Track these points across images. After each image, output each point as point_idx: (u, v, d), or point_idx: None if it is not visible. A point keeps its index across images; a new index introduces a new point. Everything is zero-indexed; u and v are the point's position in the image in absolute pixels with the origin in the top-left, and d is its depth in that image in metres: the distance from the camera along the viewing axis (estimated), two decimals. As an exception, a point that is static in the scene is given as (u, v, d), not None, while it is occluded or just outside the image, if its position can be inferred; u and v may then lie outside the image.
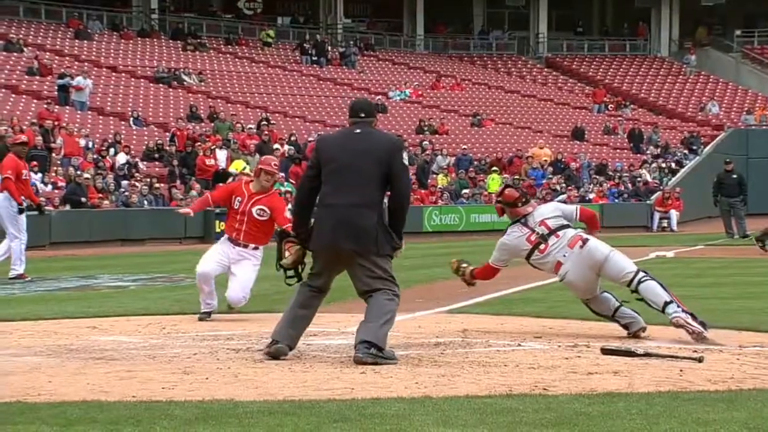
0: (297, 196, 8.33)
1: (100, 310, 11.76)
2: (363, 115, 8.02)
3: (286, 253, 8.27)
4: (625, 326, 9.35)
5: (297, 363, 7.82)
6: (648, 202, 37.92)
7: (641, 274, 9.09)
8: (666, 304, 8.93)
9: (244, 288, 10.88)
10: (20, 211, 16.36)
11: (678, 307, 8.93)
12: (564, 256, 9.15)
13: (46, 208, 27.11)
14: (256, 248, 11.02)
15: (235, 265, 10.94)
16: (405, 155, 7.98)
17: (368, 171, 7.77)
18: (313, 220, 8.08)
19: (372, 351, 7.65)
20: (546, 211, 9.38)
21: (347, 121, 8.18)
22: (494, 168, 37.57)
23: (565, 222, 9.36)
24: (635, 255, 21.08)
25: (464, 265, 9.79)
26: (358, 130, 7.97)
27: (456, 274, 9.94)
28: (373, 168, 7.77)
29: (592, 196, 37.85)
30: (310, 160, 8.21)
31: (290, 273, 8.33)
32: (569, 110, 49.17)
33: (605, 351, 8.23)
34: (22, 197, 16.52)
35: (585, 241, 9.19)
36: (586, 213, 9.79)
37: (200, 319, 10.82)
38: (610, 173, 40.54)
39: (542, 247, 9.20)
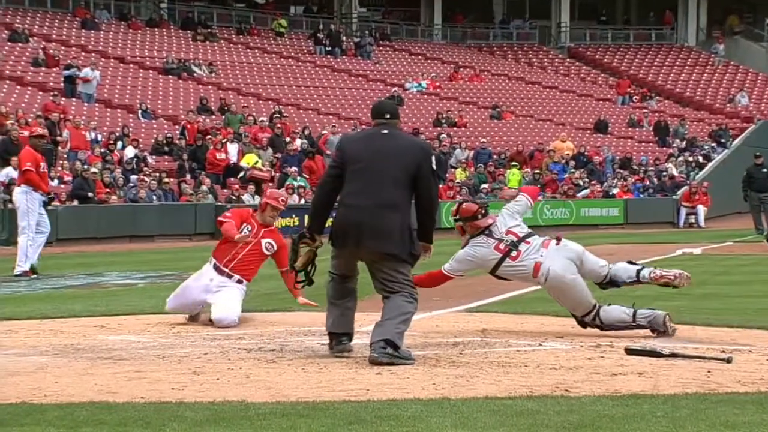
0: (317, 194, 8.37)
1: (107, 308, 11.81)
2: (388, 116, 8.16)
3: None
4: (650, 326, 9.33)
5: (311, 363, 7.84)
6: (674, 197, 37.80)
7: (610, 263, 9.57)
8: (638, 271, 9.38)
9: (231, 308, 10.13)
10: (50, 200, 16.55)
11: (649, 268, 9.45)
12: (541, 256, 9.26)
13: (53, 203, 27.28)
14: (239, 281, 10.41)
15: (214, 294, 10.23)
16: (434, 159, 8.31)
17: (394, 173, 7.88)
18: (332, 219, 8.14)
19: (388, 351, 7.69)
20: (509, 221, 9.46)
21: (372, 123, 8.30)
22: (514, 162, 37.52)
23: (529, 230, 9.54)
24: (661, 252, 21.04)
25: None
26: (385, 131, 8.11)
27: None
28: (399, 170, 7.89)
29: (615, 191, 37.76)
30: (333, 159, 8.28)
31: (300, 277, 8.40)
32: (592, 102, 49.04)
33: (629, 351, 8.22)
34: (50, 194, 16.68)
35: (559, 239, 9.44)
36: (529, 189, 10.29)
37: (190, 320, 10.56)
38: (635, 167, 40.43)
39: (514, 254, 9.26)
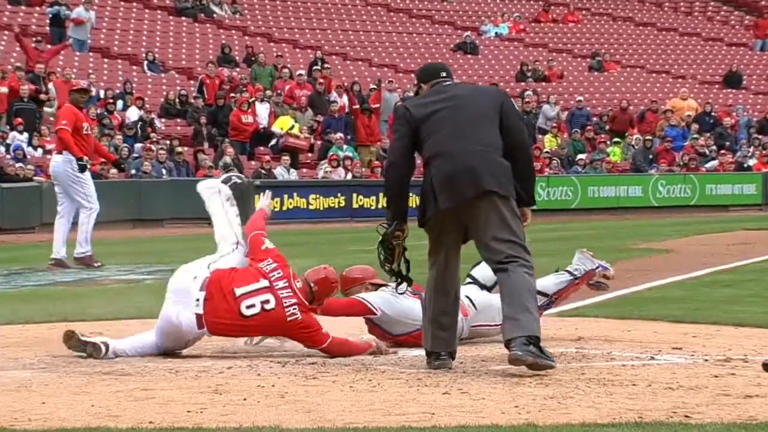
0: (390, 175, 8.52)
1: (106, 310, 11.93)
2: (444, 74, 8.60)
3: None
4: (585, 274, 9.93)
5: (361, 380, 7.91)
6: (830, 171, 37.52)
7: None
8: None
9: None
10: (82, 168, 16.84)
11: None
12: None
13: (36, 178, 27.61)
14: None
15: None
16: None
17: (478, 112, 8.29)
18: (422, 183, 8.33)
19: (532, 348, 7.88)
20: None
21: (424, 87, 8.59)
22: (616, 139, 37.26)
23: None
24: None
25: None
26: (448, 82, 8.55)
27: None
28: (484, 108, 8.31)
29: (751, 162, 37.50)
30: (398, 129, 8.44)
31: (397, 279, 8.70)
32: (722, 48, 48.69)
33: (768, 367, 8.20)
34: (86, 158, 16.92)
35: None
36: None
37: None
38: (777, 132, 40.17)
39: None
